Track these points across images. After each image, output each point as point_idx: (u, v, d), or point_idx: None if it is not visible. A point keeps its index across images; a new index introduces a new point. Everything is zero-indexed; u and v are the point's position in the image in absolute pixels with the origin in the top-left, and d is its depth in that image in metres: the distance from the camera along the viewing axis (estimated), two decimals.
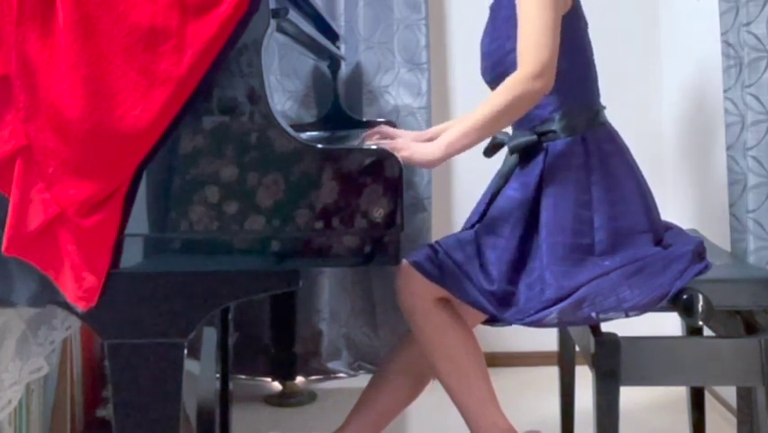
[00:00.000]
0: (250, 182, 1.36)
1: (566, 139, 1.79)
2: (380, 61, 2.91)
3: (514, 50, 1.73)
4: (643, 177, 1.85)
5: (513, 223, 1.77)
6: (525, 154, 1.84)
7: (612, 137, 1.84)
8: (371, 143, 1.76)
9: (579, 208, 1.75)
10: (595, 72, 1.87)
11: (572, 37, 1.79)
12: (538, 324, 1.69)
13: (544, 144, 1.80)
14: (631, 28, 2.99)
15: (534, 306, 1.69)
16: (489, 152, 1.93)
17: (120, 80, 1.32)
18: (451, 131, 1.69)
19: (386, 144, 1.65)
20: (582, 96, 1.83)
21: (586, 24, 1.87)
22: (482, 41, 1.93)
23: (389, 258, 1.38)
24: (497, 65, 1.85)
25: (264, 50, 1.39)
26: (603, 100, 1.89)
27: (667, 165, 2.94)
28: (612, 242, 1.73)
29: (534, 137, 1.81)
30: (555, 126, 1.80)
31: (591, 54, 1.87)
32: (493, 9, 1.91)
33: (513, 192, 1.82)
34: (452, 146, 1.68)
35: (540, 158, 1.80)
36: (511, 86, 1.68)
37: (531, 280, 1.72)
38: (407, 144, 1.69)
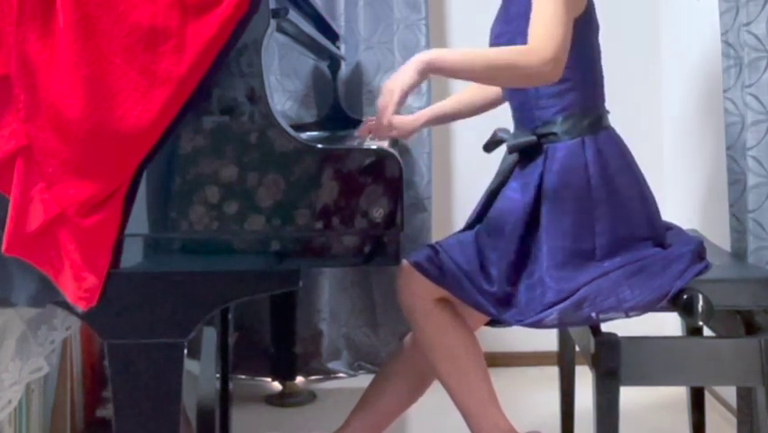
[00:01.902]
0: (250, 182, 1.36)
1: (567, 142, 1.79)
2: (380, 61, 2.91)
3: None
4: (645, 182, 1.84)
5: (513, 224, 1.77)
6: (524, 154, 1.84)
7: (614, 142, 1.83)
8: (367, 141, 1.76)
9: (579, 213, 1.74)
10: (602, 77, 1.86)
11: (582, 41, 1.77)
12: (538, 325, 1.69)
13: (544, 146, 1.80)
14: (631, 28, 2.99)
15: (534, 308, 1.69)
16: (489, 147, 1.93)
17: (120, 80, 1.32)
18: (442, 52, 1.66)
19: (378, 106, 1.64)
20: (587, 100, 1.82)
21: (597, 28, 1.84)
22: (492, 28, 1.91)
23: (389, 258, 1.38)
24: None
25: (264, 50, 1.39)
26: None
27: (667, 165, 2.94)
28: (613, 248, 1.72)
29: (534, 138, 1.81)
30: (557, 129, 1.79)
31: (599, 59, 1.86)
32: (505, 2, 1.88)
33: (513, 193, 1.82)
34: (437, 69, 1.64)
35: (540, 160, 1.79)
36: (524, 54, 1.62)
37: (531, 282, 1.72)
38: (388, 91, 1.63)
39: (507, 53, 1.65)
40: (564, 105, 1.79)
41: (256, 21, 1.37)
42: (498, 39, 1.86)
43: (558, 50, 1.62)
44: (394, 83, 1.63)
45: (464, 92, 2.14)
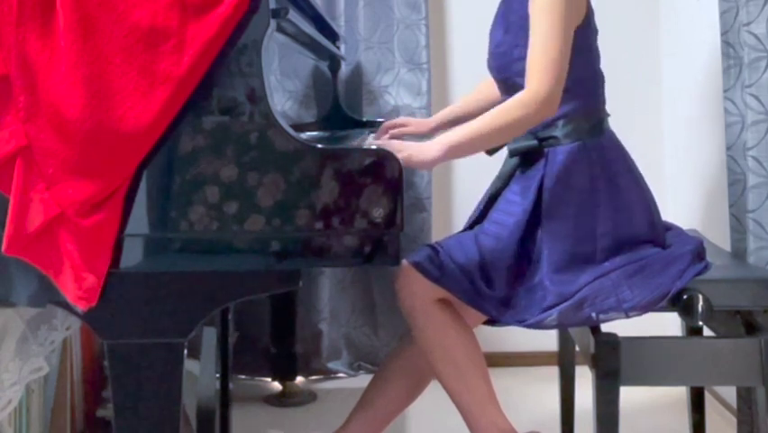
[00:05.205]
0: (250, 182, 1.36)
1: (568, 145, 1.78)
2: (380, 61, 2.91)
3: (521, 58, 1.72)
4: (646, 185, 1.84)
5: (513, 227, 1.77)
6: (525, 158, 1.84)
7: (615, 145, 1.84)
8: (375, 143, 1.77)
9: (581, 216, 1.74)
10: (602, 81, 1.86)
11: (583, 47, 1.77)
12: (538, 326, 1.69)
13: (545, 150, 1.80)
14: (631, 28, 2.99)
15: (534, 311, 1.69)
16: (491, 150, 1.93)
17: (120, 80, 1.32)
18: (455, 134, 1.67)
19: (384, 145, 1.65)
20: (587, 104, 1.82)
21: (596, 33, 1.85)
22: (491, 34, 1.91)
23: (389, 258, 1.38)
24: (502, 69, 1.85)
25: (264, 50, 1.39)
26: None
27: (667, 165, 2.94)
28: (614, 250, 1.73)
29: (535, 142, 1.81)
30: (558, 132, 1.79)
31: (599, 63, 1.86)
32: (504, 5, 1.89)
33: (513, 196, 1.82)
34: (455, 151, 1.66)
35: (540, 164, 1.79)
36: (518, 105, 1.66)
37: (531, 285, 1.72)
38: (405, 145, 1.67)
39: (508, 112, 1.66)
40: (565, 109, 1.78)
41: (256, 21, 1.37)
42: (497, 48, 1.88)
43: (553, 87, 1.65)
44: (417, 162, 1.64)
45: (472, 94, 2.18)
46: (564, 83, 1.67)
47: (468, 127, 1.67)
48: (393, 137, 2.15)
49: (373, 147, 1.40)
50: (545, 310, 1.67)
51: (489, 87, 2.05)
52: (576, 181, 1.76)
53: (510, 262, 1.74)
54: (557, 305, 1.67)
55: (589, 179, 1.76)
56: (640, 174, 1.85)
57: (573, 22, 1.72)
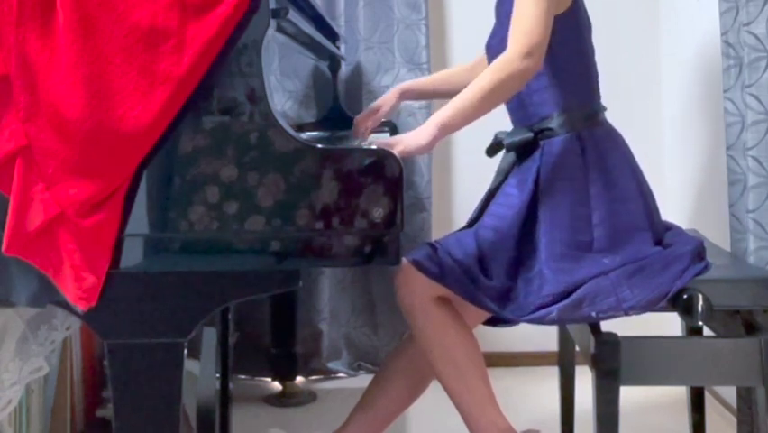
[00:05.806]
0: (250, 182, 1.36)
1: (563, 136, 1.79)
2: (380, 61, 2.91)
3: None
4: (644, 177, 1.85)
5: (511, 219, 1.77)
6: (522, 152, 1.84)
7: (611, 136, 1.85)
8: (376, 143, 1.77)
9: (576, 205, 1.75)
10: (595, 73, 1.88)
11: (573, 38, 1.80)
12: (538, 321, 1.69)
13: (541, 142, 1.81)
14: (631, 28, 2.99)
15: (533, 301, 1.69)
16: (491, 150, 1.94)
17: (120, 80, 1.32)
18: (445, 110, 1.67)
19: (378, 143, 1.66)
20: (581, 95, 1.84)
21: (589, 26, 1.87)
22: (489, 37, 1.94)
23: (390, 258, 1.39)
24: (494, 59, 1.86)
25: (264, 50, 1.39)
26: (603, 100, 1.89)
27: (667, 165, 2.94)
28: (611, 239, 1.73)
29: (531, 135, 1.82)
30: (553, 124, 1.80)
31: (592, 56, 1.88)
32: (497, 8, 1.92)
33: (511, 189, 1.83)
34: (446, 127, 1.67)
35: (536, 155, 1.80)
36: (500, 66, 1.68)
37: (530, 276, 1.73)
38: (398, 138, 1.67)
39: (491, 73, 1.68)
40: (557, 100, 1.80)
41: (256, 21, 1.37)
42: (492, 38, 1.91)
43: (532, 43, 1.66)
44: (414, 149, 1.64)
45: (443, 72, 2.23)
46: (546, 45, 1.68)
47: (456, 99, 1.68)
48: (374, 127, 2.16)
49: (373, 147, 1.40)
50: (544, 301, 1.67)
51: (462, 70, 2.12)
52: (570, 171, 1.77)
53: (509, 254, 1.75)
54: (555, 295, 1.67)
55: (582, 168, 1.77)
56: (639, 168, 1.86)
57: (555, 2, 1.73)
